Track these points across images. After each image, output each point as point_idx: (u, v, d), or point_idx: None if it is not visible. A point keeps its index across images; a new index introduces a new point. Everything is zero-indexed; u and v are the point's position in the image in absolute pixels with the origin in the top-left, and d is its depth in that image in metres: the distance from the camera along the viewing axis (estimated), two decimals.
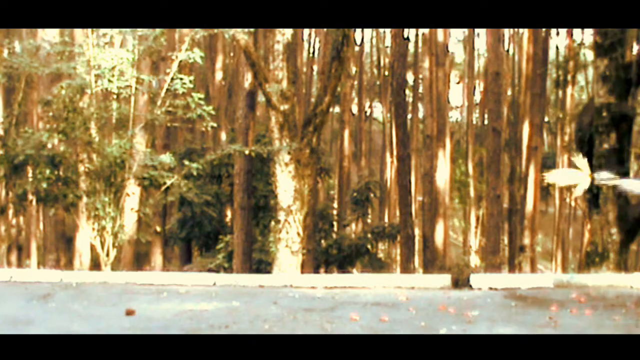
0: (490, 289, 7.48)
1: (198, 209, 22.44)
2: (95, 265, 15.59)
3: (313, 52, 34.00)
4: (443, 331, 5.48)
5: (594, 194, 12.07)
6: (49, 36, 14.09)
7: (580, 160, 6.54)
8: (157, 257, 23.40)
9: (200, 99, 11.07)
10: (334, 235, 23.36)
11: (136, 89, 11.06)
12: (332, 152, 36.93)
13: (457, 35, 40.80)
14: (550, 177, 6.95)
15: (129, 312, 6.26)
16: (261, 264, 18.80)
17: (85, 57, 10.81)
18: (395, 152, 24.08)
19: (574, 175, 6.59)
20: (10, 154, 11.09)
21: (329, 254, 21.92)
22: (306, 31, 31.89)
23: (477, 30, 32.95)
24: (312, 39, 33.95)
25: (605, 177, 6.42)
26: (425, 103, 25.68)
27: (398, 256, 27.49)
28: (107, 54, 10.68)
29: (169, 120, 12.06)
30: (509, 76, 31.65)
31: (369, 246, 22.94)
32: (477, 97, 39.49)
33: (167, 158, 11.05)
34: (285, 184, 12.20)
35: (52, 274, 8.40)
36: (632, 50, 11.86)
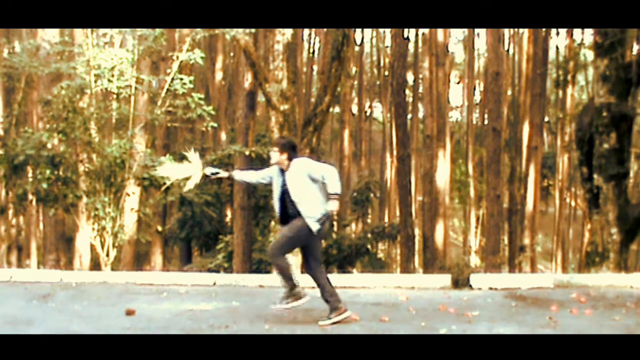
0: (490, 289, 7.48)
1: (198, 209, 22.42)
2: (95, 265, 15.58)
3: (313, 52, 33.99)
4: (443, 331, 5.48)
5: (594, 194, 12.06)
6: (49, 36, 14.07)
7: (192, 154, 6.47)
8: (157, 257, 23.39)
9: (200, 99, 11.06)
10: (334, 235, 23.32)
11: (136, 89, 11.05)
12: (332, 152, 36.89)
13: (457, 35, 40.83)
14: (161, 170, 6.87)
15: (129, 312, 6.27)
16: (261, 264, 18.78)
17: (85, 57, 10.81)
18: (395, 152, 24.05)
19: (184, 168, 6.51)
20: (10, 154, 11.07)
21: (329, 254, 21.87)
22: (306, 31, 31.88)
23: (477, 30, 32.94)
24: (312, 39, 33.96)
25: (214, 171, 6.41)
26: (425, 103, 25.66)
27: (398, 256, 27.46)
28: (107, 54, 10.68)
29: (169, 120, 12.05)
30: (509, 76, 31.63)
31: (369, 246, 22.91)
32: (477, 97, 39.48)
33: (167, 160, 11.04)
34: None
35: (52, 274, 8.40)
36: (632, 50, 11.86)
